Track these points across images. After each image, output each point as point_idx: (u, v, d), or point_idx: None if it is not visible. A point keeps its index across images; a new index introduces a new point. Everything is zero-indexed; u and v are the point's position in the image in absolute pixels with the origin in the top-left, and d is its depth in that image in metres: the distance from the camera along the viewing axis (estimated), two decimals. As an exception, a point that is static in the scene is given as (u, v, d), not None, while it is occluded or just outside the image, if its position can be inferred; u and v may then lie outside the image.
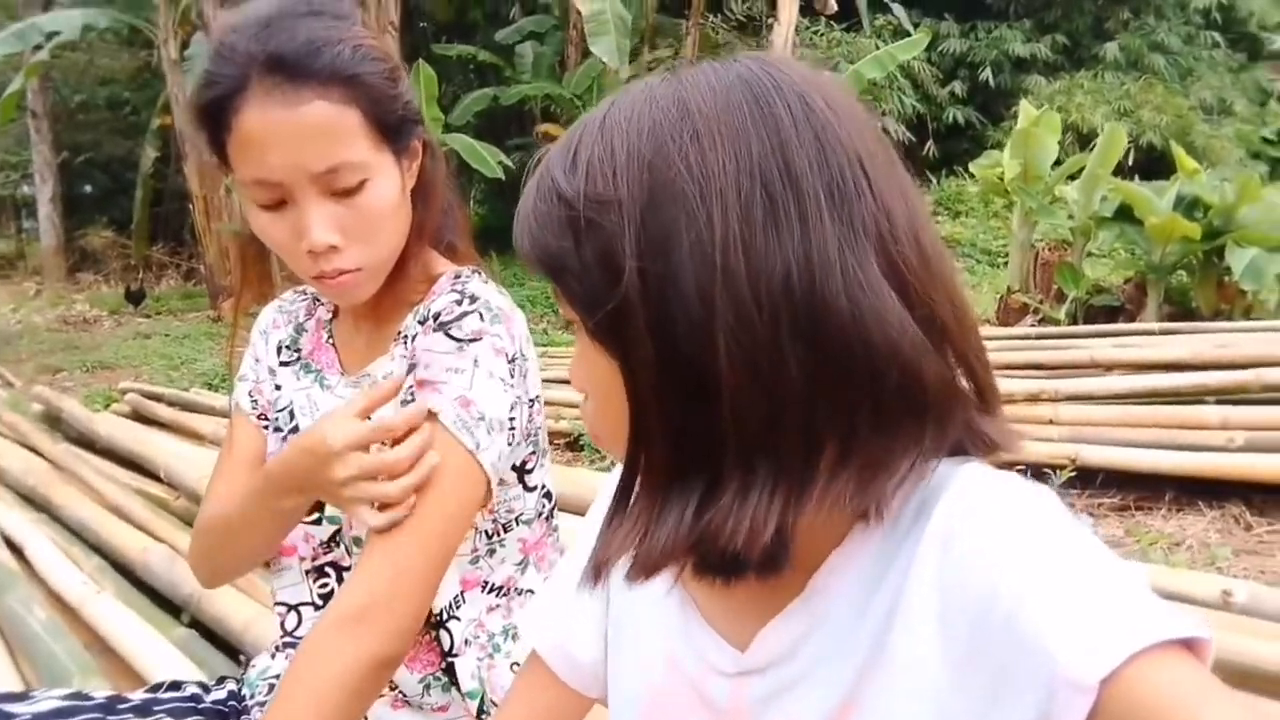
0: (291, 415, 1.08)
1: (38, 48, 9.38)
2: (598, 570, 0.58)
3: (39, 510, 3.43)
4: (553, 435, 4.10)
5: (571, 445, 4.06)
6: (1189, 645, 0.44)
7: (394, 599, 0.85)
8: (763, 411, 0.50)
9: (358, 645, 0.83)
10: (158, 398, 5.26)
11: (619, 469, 0.59)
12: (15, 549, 2.99)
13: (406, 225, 1.01)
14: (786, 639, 0.59)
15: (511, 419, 0.96)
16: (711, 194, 0.49)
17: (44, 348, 8.28)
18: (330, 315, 1.13)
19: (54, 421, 4.88)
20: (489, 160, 8.57)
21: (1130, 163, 9.47)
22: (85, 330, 9.27)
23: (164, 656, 2.17)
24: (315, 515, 1.04)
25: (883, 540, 0.55)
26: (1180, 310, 5.65)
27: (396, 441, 0.89)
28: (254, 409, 1.12)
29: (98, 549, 3.02)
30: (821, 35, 11.57)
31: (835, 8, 10.38)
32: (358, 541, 1.03)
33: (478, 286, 1.00)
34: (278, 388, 1.10)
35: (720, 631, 0.63)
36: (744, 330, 0.49)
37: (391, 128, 0.96)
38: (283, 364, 1.12)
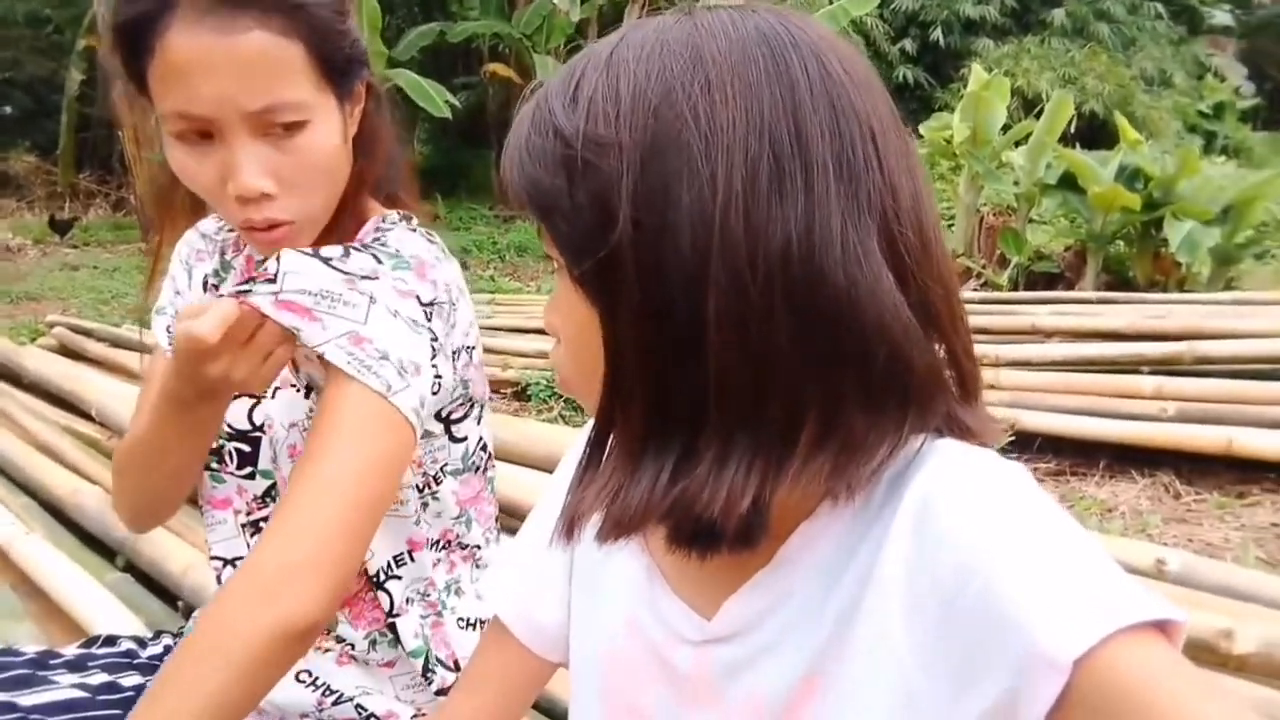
0: None
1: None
2: (570, 526, 0.56)
3: (-39, 448, 3.30)
4: (499, 384, 4.06)
5: (519, 395, 4.03)
6: (1162, 628, 0.44)
7: (316, 564, 0.75)
8: (747, 378, 0.49)
9: (275, 612, 0.72)
10: (87, 332, 5.07)
11: (589, 424, 0.57)
12: (-65, 487, 2.87)
13: (345, 175, 0.91)
14: (753, 609, 0.58)
15: (434, 365, 0.88)
16: (718, 150, 0.47)
17: (-38, 276, 7.91)
18: (261, 257, 1.01)
19: (-25, 355, 4.67)
20: (435, 99, 8.34)
21: (1073, 130, 9.64)
22: (8, 260, 8.86)
23: (98, 601, 2.11)
24: (248, 469, 0.98)
25: (855, 514, 0.54)
26: (1117, 279, 5.80)
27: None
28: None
29: (25, 488, 2.92)
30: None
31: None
32: None
33: (398, 235, 0.93)
34: None
35: (686, 599, 0.62)
36: (736, 293, 0.48)
37: (336, 67, 0.86)
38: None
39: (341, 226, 0.93)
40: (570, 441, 0.63)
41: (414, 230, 0.95)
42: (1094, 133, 10.18)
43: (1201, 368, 3.35)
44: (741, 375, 0.49)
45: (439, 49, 10.20)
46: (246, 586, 0.74)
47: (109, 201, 11.32)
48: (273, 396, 0.96)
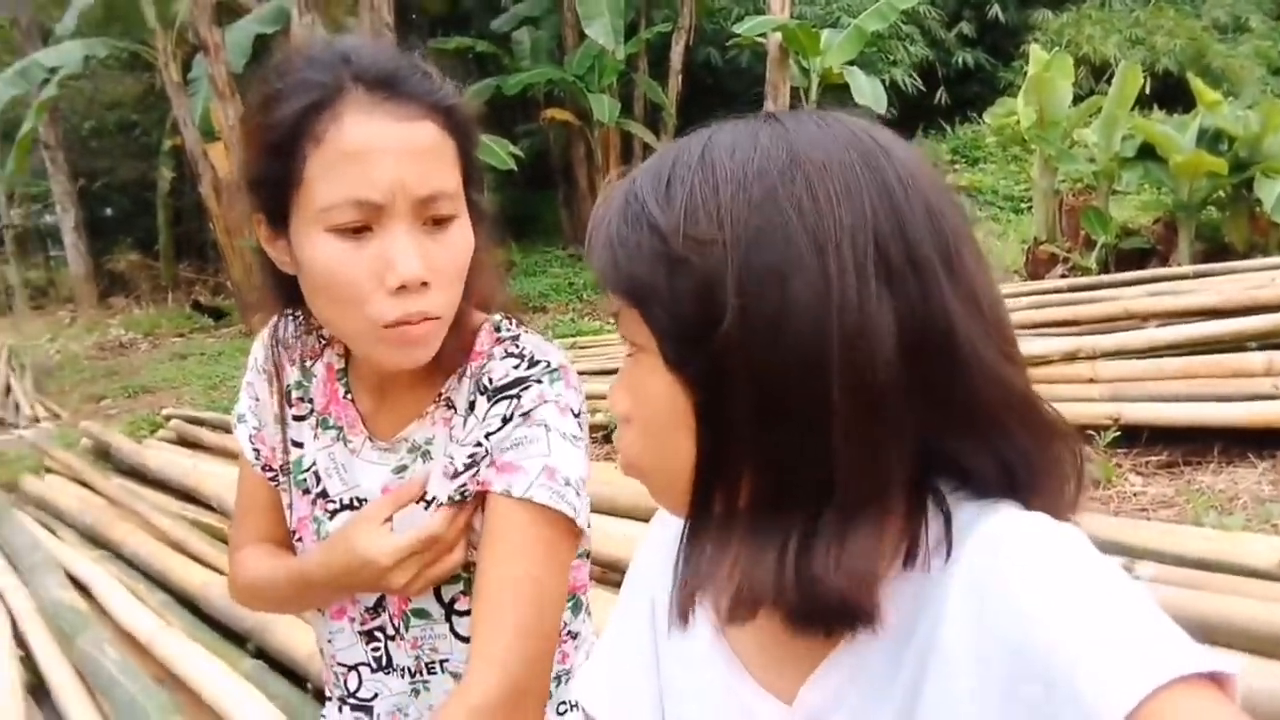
0: (318, 478, 1.00)
1: (44, 83, 9.45)
2: (684, 611, 0.58)
3: (100, 548, 3.52)
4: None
5: (607, 439, 4.05)
6: (1216, 680, 0.45)
7: (527, 693, 0.84)
8: (870, 457, 0.51)
9: None
10: (200, 422, 5.35)
11: (665, 514, 0.60)
12: (82, 588, 3.07)
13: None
14: (830, 688, 0.58)
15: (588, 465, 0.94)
16: (826, 242, 0.50)
17: (85, 376, 8.42)
18: (343, 362, 1.01)
19: (104, 454, 4.98)
20: (499, 152, 8.56)
21: (1148, 92, 9.28)
22: (122, 355, 9.41)
23: (234, 688, 2.23)
24: None
25: (916, 585, 0.55)
26: (1213, 248, 5.55)
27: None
28: (258, 459, 1.04)
29: (160, 584, 3.10)
30: (819, -4, 11.40)
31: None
32: (420, 614, 0.99)
33: (528, 342, 0.95)
34: (298, 444, 1.02)
35: (763, 681, 0.62)
36: (859, 378, 0.50)
37: (474, 171, 0.90)
38: (296, 418, 1.02)
39: (448, 336, 0.93)
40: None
41: (533, 334, 0.99)
42: (1170, 91, 9.74)
43: (1313, 337, 3.18)
44: (865, 455, 0.51)
45: (497, 101, 10.44)
46: (470, 715, 0.82)
47: (207, 288, 11.90)
48: None
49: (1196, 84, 5.93)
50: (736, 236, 0.51)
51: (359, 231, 0.83)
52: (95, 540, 3.60)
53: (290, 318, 1.02)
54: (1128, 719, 0.43)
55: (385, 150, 0.81)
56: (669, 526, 0.67)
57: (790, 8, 9.04)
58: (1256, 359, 3.11)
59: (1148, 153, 5.73)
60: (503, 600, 0.86)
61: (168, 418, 5.72)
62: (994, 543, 0.52)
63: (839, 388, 0.50)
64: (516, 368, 0.93)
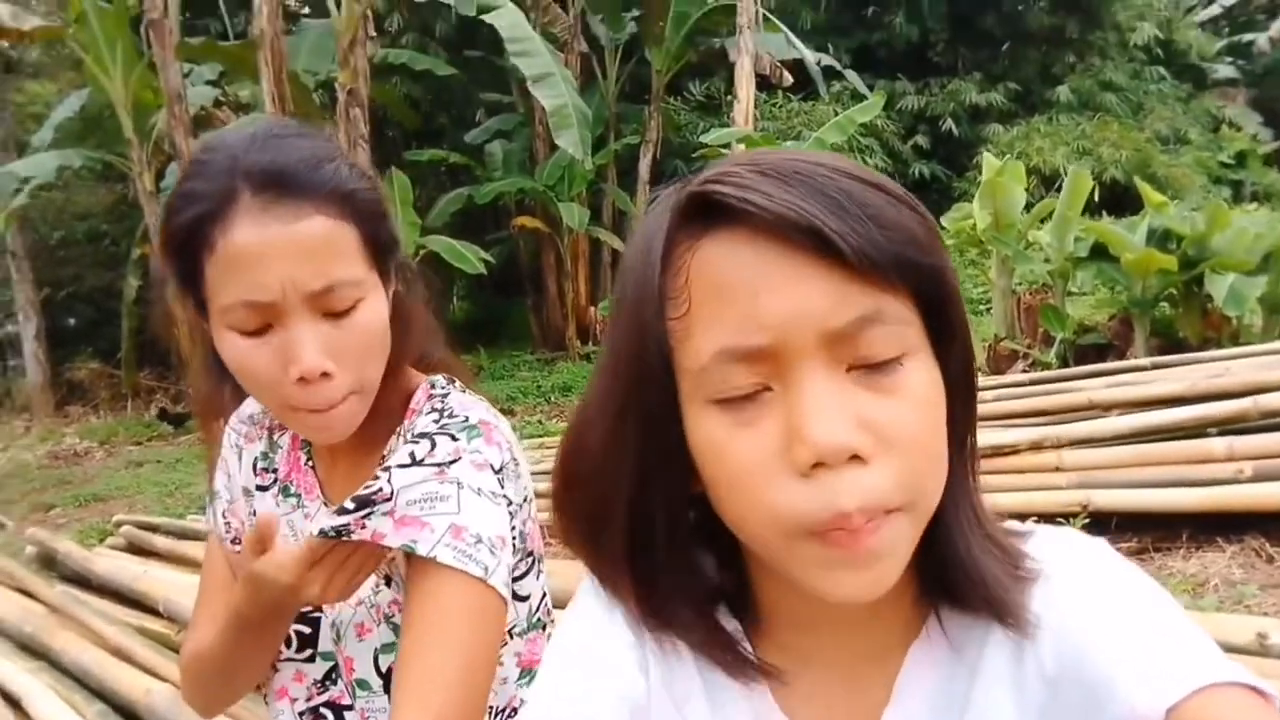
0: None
1: (16, 192, 9.50)
2: None
3: (37, 658, 3.33)
4: (549, 529, 4.01)
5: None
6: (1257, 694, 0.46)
7: None
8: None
9: None
10: (153, 528, 5.18)
11: (586, 621, 0.61)
12: (13, 702, 2.89)
13: (389, 351, 0.94)
14: (907, 714, 0.58)
15: (513, 529, 0.91)
16: None
17: (35, 485, 8.17)
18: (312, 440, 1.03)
19: (49, 562, 4.78)
20: (470, 258, 8.66)
21: (1096, 199, 9.66)
22: (76, 464, 9.16)
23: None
24: (308, 652, 0.98)
25: (950, 630, 0.57)
26: (1168, 342, 5.68)
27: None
28: (228, 532, 1.05)
29: (100, 694, 2.93)
30: (780, 107, 11.86)
31: (791, 80, 10.68)
32: (361, 684, 0.96)
33: (455, 399, 0.96)
34: (255, 514, 1.03)
35: None
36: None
37: (381, 247, 0.91)
38: (259, 488, 1.04)
39: (387, 399, 0.95)
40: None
41: (464, 393, 0.98)
42: (1118, 198, 10.15)
43: (1271, 422, 3.23)
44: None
45: (469, 211, 10.64)
46: None
47: (168, 396, 11.74)
48: None
49: (1144, 187, 6.18)
50: None
51: (258, 328, 0.85)
52: (33, 650, 3.42)
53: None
54: (1171, 713, 0.44)
55: (272, 254, 0.83)
56: (608, 637, 0.61)
57: (753, 121, 9.39)
58: (1218, 444, 3.14)
59: (1100, 253, 5.91)
60: (417, 673, 0.82)
61: (118, 524, 5.53)
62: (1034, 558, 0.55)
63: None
64: (436, 421, 0.93)
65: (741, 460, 0.51)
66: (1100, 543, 0.57)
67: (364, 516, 0.85)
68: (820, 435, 0.48)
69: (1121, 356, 5.64)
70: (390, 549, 0.86)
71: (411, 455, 0.90)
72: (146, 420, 10.75)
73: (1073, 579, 0.54)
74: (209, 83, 10.31)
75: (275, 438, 1.06)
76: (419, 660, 0.82)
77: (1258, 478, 2.87)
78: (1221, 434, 3.21)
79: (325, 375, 0.86)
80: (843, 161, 0.53)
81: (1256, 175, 13.49)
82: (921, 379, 0.51)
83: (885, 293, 0.50)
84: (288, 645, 0.99)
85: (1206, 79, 14.73)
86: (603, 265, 11.11)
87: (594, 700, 0.58)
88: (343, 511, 0.86)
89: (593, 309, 10.52)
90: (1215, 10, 16.79)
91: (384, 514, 0.86)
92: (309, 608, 0.97)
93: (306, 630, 0.97)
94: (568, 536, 0.63)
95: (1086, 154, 11.45)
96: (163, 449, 9.20)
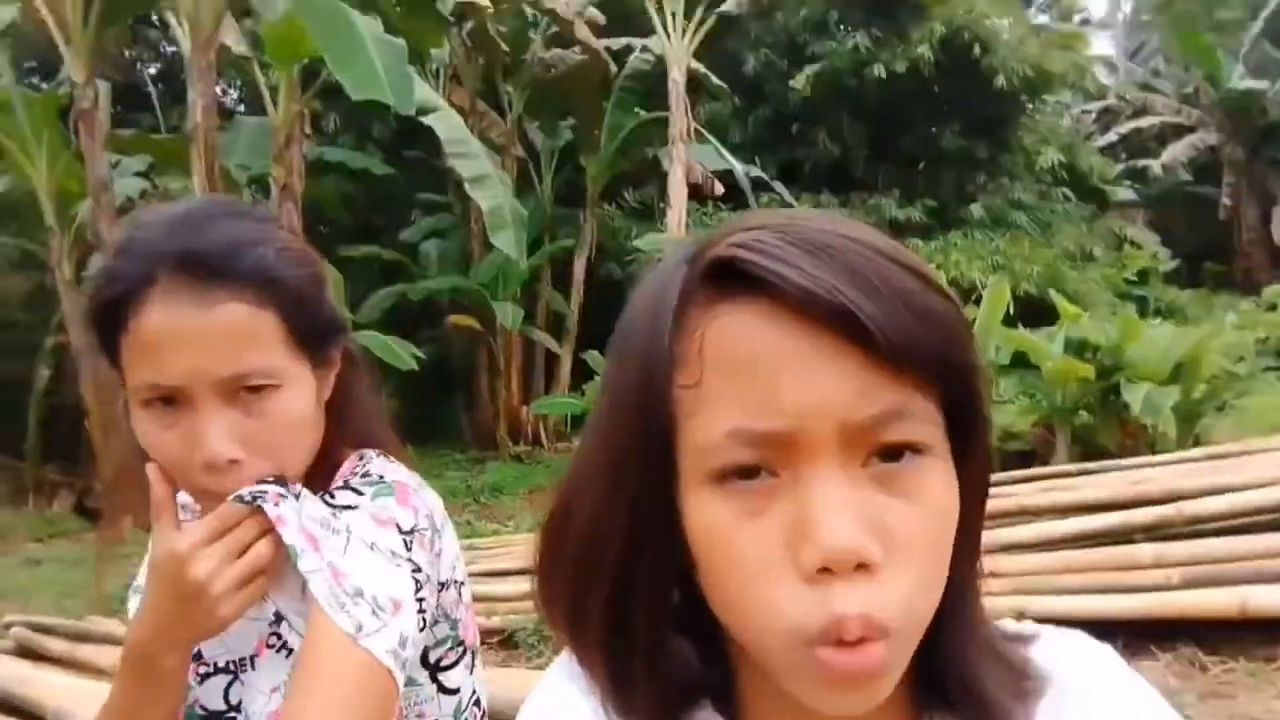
0: None
1: (-76, 277, 9.14)
2: None
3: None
4: (483, 633, 3.89)
5: (505, 643, 3.85)
6: None
7: None
8: None
9: None
10: (48, 630, 4.83)
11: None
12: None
13: (317, 439, 0.91)
14: None
15: (420, 599, 0.84)
16: None
17: (-82, 589, 7.59)
18: None
19: (-73, 675, 4.40)
20: (401, 354, 8.55)
21: (1011, 312, 10.08)
22: (-33, 564, 8.56)
23: None
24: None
25: None
26: (1089, 449, 5.87)
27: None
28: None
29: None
30: (711, 216, 12.20)
31: (722, 190, 11.05)
32: None
33: (378, 464, 0.93)
34: None
35: None
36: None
37: (311, 335, 0.88)
38: None
39: (316, 478, 0.91)
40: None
41: (390, 462, 0.94)
42: (1031, 312, 10.61)
43: (1195, 529, 3.32)
44: None
45: (401, 307, 10.59)
46: None
47: (74, 491, 11.15)
48: (253, 666, 0.91)
49: (1059, 299, 6.49)
50: None
51: (168, 405, 0.84)
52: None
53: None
54: None
55: (182, 338, 0.82)
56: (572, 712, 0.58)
57: (686, 228, 9.64)
58: (1145, 551, 3.21)
59: (1021, 361, 6.14)
60: None
61: (8, 625, 5.14)
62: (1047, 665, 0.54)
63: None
64: (349, 481, 0.91)
65: (744, 555, 0.47)
66: (1108, 650, 0.55)
67: (281, 496, 0.83)
68: (829, 539, 0.45)
69: (1045, 463, 5.79)
70: (294, 563, 0.82)
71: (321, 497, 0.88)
72: (48, 515, 10.17)
73: (1081, 698, 0.52)
74: (138, 174, 10.16)
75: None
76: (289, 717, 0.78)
77: (1187, 584, 2.93)
78: (1149, 540, 3.29)
79: (233, 463, 0.84)
80: (878, 238, 0.50)
81: (1158, 292, 14.30)
82: (938, 482, 0.48)
83: (913, 387, 0.47)
84: None
85: (1108, 200, 15.69)
86: (536, 366, 11.11)
87: None
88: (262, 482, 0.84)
89: (525, 409, 10.46)
90: (1113, 137, 18.03)
91: (292, 510, 0.83)
92: (224, 706, 0.90)
93: None
94: (549, 608, 0.57)
95: (1001, 268, 11.98)
96: (66, 547, 8.67)
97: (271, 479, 0.84)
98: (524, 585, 4.13)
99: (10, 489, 11.37)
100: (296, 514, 0.83)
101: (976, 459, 0.51)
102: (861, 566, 0.45)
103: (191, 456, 0.83)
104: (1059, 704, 0.52)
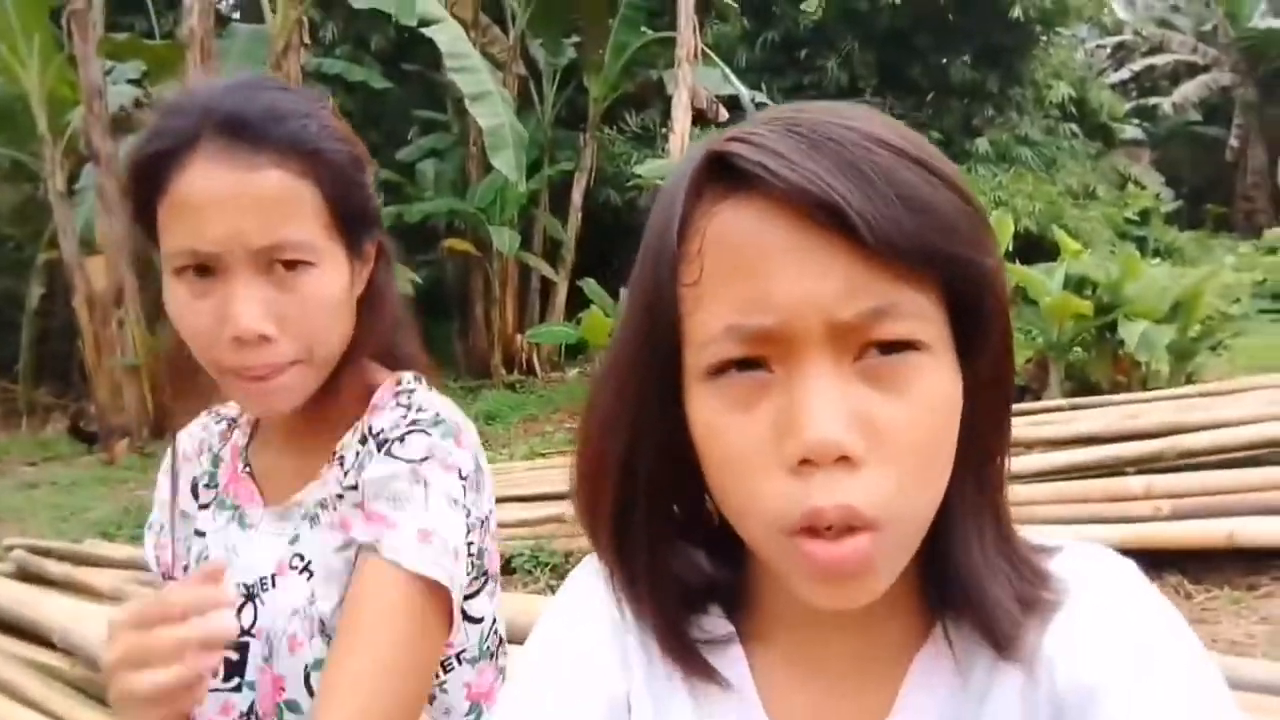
0: None
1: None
2: None
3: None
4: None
5: (501, 569, 3.89)
6: None
7: None
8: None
9: None
10: (46, 552, 4.87)
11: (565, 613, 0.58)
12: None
13: (347, 332, 0.89)
14: None
15: (470, 543, 0.85)
16: None
17: (-87, 503, 7.65)
18: (246, 439, 0.98)
19: (-73, 586, 4.45)
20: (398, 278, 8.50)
21: (1011, 248, 10.02)
22: (-38, 482, 8.61)
23: None
24: (235, 681, 0.89)
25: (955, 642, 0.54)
26: (1081, 386, 5.89)
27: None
28: (158, 565, 0.99)
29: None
30: (715, 142, 12.04)
31: (726, 115, 10.86)
32: (291, 706, 0.88)
33: (424, 396, 0.91)
34: (200, 534, 0.96)
35: None
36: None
37: (348, 216, 0.86)
38: (202, 506, 0.97)
39: (340, 387, 0.89)
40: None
41: (431, 391, 0.93)
42: (1031, 249, 10.56)
43: (1186, 462, 3.36)
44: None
45: (398, 229, 10.46)
46: None
47: (67, 414, 11.16)
48: (274, 585, 0.89)
49: (1061, 235, 6.44)
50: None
51: (202, 275, 0.82)
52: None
53: (210, 414, 1.02)
54: None
55: (222, 201, 0.80)
56: (590, 623, 0.59)
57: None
58: (1136, 482, 3.25)
59: (1019, 296, 6.11)
60: (346, 671, 0.77)
61: (9, 549, 5.19)
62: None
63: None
64: (404, 417, 0.88)
65: (735, 446, 0.48)
66: (1129, 565, 0.54)
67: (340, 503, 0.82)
68: (811, 431, 0.45)
69: (1038, 399, 5.82)
70: (380, 554, 0.81)
71: (380, 435, 0.86)
72: (42, 438, 10.19)
73: (1094, 612, 0.51)
74: (131, 81, 9.91)
75: (219, 452, 1.00)
76: (351, 658, 0.77)
77: (1176, 515, 2.97)
78: (1139, 473, 3.32)
79: (264, 339, 0.82)
80: (885, 129, 0.48)
81: (1158, 233, 14.23)
82: (934, 380, 0.48)
83: (905, 283, 0.46)
84: (214, 675, 0.90)
85: (1115, 139, 15.51)
86: (532, 292, 11.04)
87: (569, 695, 0.56)
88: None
89: (519, 336, 10.42)
90: (1125, 75, 17.75)
91: (354, 505, 0.82)
92: (238, 629, 0.88)
93: (235, 656, 0.89)
94: (574, 505, 0.59)
95: (1002, 204, 11.89)
96: (59, 470, 8.70)
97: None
98: (520, 512, 4.17)
99: (3, 411, 11.37)
100: (358, 508, 0.83)
101: (986, 356, 0.50)
102: (844, 459, 0.46)
103: (221, 330, 0.81)
104: (1069, 618, 0.51)
